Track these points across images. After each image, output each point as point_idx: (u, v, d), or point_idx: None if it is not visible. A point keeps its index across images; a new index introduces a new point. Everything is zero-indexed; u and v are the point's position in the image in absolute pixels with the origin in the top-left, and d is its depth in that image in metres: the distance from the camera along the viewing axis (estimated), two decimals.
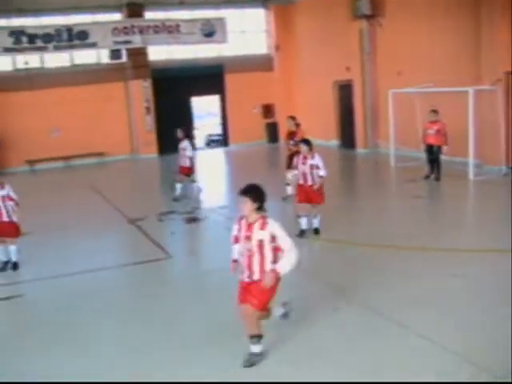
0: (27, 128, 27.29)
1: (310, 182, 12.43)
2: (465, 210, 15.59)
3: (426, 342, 7.35)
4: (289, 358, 7.24)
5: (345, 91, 27.67)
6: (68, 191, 21.08)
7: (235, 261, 7.37)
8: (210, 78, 30.46)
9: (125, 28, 27.57)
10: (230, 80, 31.21)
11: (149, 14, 28.96)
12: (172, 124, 28.94)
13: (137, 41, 27.87)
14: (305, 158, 12.47)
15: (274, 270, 6.87)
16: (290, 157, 15.82)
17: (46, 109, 27.58)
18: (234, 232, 7.28)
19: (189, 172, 17.80)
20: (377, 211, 15.26)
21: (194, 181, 18.20)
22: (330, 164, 20.19)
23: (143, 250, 12.86)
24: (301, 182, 12.60)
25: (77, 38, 26.69)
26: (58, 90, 27.56)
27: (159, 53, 29.94)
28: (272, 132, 32.17)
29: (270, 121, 32.37)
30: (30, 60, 27.43)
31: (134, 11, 28.31)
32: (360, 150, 26.29)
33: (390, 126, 21.29)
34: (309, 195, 12.45)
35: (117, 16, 28.79)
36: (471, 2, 19.49)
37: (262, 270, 6.93)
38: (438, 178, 18.22)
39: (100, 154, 28.72)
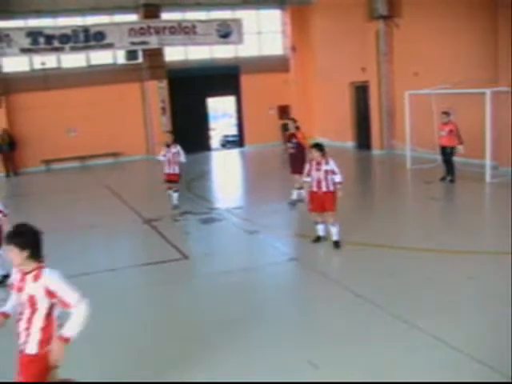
0: (43, 128, 27.43)
1: (324, 189, 11.70)
2: (482, 213, 15.48)
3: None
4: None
5: (361, 92, 27.64)
6: (83, 191, 21.18)
7: (5, 315, 5.79)
8: (225, 78, 30.55)
9: (141, 29, 27.65)
10: (246, 81, 31.22)
11: (165, 15, 29.01)
12: (188, 124, 29.29)
13: (153, 41, 27.94)
14: (318, 163, 11.74)
15: (60, 337, 5.41)
16: (293, 159, 15.96)
17: (63, 109, 27.72)
18: (13, 279, 5.69)
19: (177, 179, 16.81)
20: (393, 213, 15.19)
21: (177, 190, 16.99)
22: (346, 165, 20.27)
23: (159, 250, 12.88)
24: (314, 189, 11.82)
25: (93, 38, 26.80)
26: (75, 90, 27.67)
27: (175, 53, 29.97)
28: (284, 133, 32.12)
29: (285, 122, 32.30)
30: (47, 61, 27.57)
31: (151, 12, 28.38)
32: (376, 151, 26.22)
33: (406, 127, 21.21)
34: (324, 203, 11.76)
35: (133, 17, 28.86)
36: (489, 3, 19.39)
37: (33, 339, 5.47)
38: (452, 180, 18.13)
39: (116, 155, 28.82)
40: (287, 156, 16.52)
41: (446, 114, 18.33)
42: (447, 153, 18.21)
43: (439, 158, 19.45)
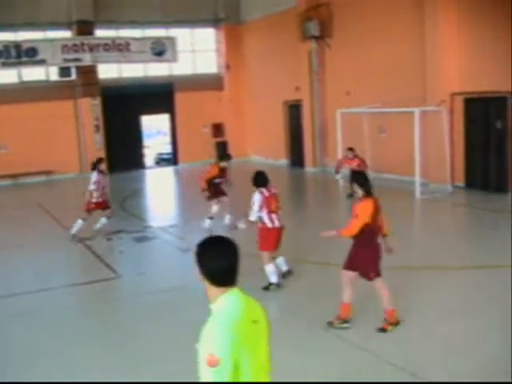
0: None
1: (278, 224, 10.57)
2: (412, 228, 15.89)
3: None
4: None
5: (294, 111, 28.01)
6: (15, 210, 20.77)
7: None
8: (160, 96, 30.48)
9: (74, 45, 27.41)
10: (180, 99, 31.23)
11: (99, 32, 28.81)
12: (122, 142, 29.15)
13: (87, 59, 27.72)
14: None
15: None
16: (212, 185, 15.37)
17: None
18: None
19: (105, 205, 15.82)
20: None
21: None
22: (280, 183, 20.44)
23: (92, 269, 12.78)
24: (270, 224, 10.50)
25: (25, 54, 26.42)
26: (6, 106, 27.13)
27: (109, 71, 29.83)
28: (222, 151, 32.23)
29: (219, 140, 32.46)
30: None
31: (84, 29, 28.14)
32: (309, 168, 26.56)
33: (338, 145, 21.56)
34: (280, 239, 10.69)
35: (67, 33, 28.55)
36: (417, 26, 19.95)
37: None
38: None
39: (48, 172, 28.38)
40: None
41: (351, 149, 18.77)
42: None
43: (371, 175, 19.78)
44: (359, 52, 23.26)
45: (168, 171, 30.90)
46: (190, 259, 12.49)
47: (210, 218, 15.22)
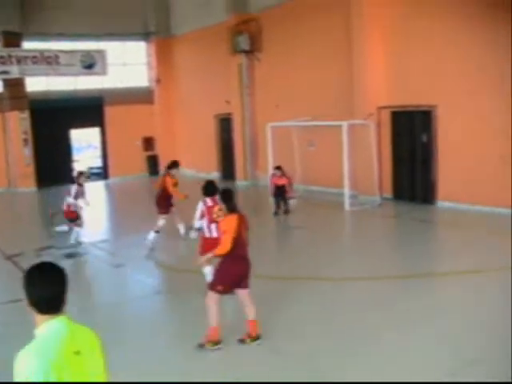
0: None
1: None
2: (341, 239, 16.16)
3: None
4: None
5: (225, 124, 28.15)
6: None
7: None
8: (90, 110, 30.22)
9: (1, 58, 26.92)
10: (111, 112, 31.03)
11: (27, 44, 28.40)
12: (51, 156, 28.73)
13: (14, 71, 27.27)
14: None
15: None
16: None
17: None
18: None
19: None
20: (261, 243, 15.39)
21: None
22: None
23: (19, 287, 12.48)
24: (207, 234, 10.77)
25: None
26: None
27: (38, 84, 29.41)
28: (152, 165, 32.18)
29: (150, 153, 32.37)
30: None
31: (12, 41, 27.65)
32: (240, 181, 26.69)
33: (269, 158, 21.74)
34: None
35: None
36: (345, 40, 20.36)
37: None
38: (287, 211, 18.54)
39: None
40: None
41: (279, 168, 18.92)
42: (282, 191, 18.56)
43: (301, 187, 20.16)
44: (288, 66, 23.59)
45: (98, 185, 30.55)
46: (121, 275, 12.49)
47: (157, 232, 15.08)
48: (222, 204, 8.58)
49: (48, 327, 3.63)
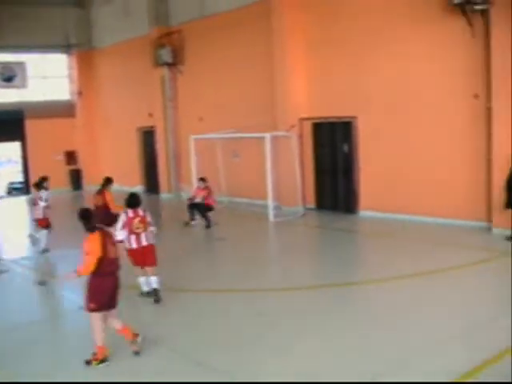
0: None
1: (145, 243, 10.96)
2: (265, 250, 16.14)
3: None
4: None
5: (148, 137, 28.00)
6: None
7: None
8: (9, 123, 29.51)
9: None
10: (32, 126, 30.47)
11: None
12: None
13: None
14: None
15: None
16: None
17: None
18: None
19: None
20: (185, 256, 15.31)
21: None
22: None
23: None
24: (127, 245, 10.91)
25: None
26: None
27: None
28: (76, 179, 31.74)
29: (73, 167, 31.93)
30: None
31: None
32: (164, 194, 26.58)
33: (193, 170, 21.69)
34: (145, 257, 11.01)
35: None
36: (268, 54, 20.55)
37: None
38: (208, 226, 18.41)
39: None
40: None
41: (203, 180, 19.02)
42: (202, 207, 18.60)
43: (225, 199, 20.25)
44: (212, 78, 23.65)
45: (20, 201, 29.89)
46: (45, 292, 12.17)
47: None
48: (82, 224, 8.32)
49: None
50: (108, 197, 15.60)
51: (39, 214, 15.95)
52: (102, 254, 8.06)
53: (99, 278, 8.14)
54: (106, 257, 8.13)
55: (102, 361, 8.25)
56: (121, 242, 10.57)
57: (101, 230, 8.32)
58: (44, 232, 16.03)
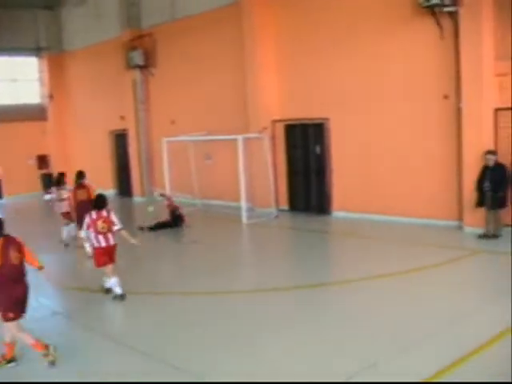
0: None
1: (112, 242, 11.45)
2: (241, 253, 16.13)
3: None
4: None
5: (120, 140, 27.87)
6: None
7: None
8: None
9: None
10: (2, 130, 29.98)
11: None
12: None
13: None
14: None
15: None
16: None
17: None
18: None
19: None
20: (163, 258, 15.41)
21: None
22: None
23: None
24: (96, 244, 11.36)
25: None
26: None
27: None
28: (48, 183, 31.43)
29: (45, 171, 31.66)
30: None
31: None
32: (137, 197, 26.48)
33: (165, 173, 21.65)
34: (111, 255, 11.49)
35: None
36: (239, 56, 20.56)
37: None
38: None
39: None
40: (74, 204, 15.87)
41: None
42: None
43: (198, 202, 20.22)
44: (184, 81, 23.61)
45: None
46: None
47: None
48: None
49: None
50: (92, 188, 15.87)
51: (64, 208, 16.92)
52: (2, 261, 8.02)
53: (3, 285, 8.08)
54: (6, 263, 8.06)
55: (10, 360, 8.37)
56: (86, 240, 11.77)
57: (6, 236, 8.27)
58: (72, 225, 16.60)
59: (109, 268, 11.45)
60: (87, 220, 11.31)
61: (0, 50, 29.54)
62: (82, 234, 13.01)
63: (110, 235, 11.32)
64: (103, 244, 11.27)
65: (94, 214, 11.30)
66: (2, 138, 30.11)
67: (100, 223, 11.20)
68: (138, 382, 7.66)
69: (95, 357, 8.67)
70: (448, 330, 8.75)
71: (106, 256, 11.36)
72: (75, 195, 15.96)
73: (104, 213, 11.35)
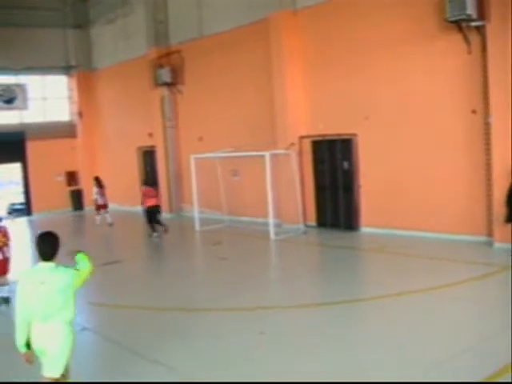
0: None
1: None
2: (269, 270, 16.09)
3: None
4: None
5: (148, 157, 28.04)
6: None
7: None
8: (10, 145, 29.33)
9: None
10: (32, 147, 30.45)
11: None
12: None
13: None
14: None
15: None
16: None
17: None
18: None
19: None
20: (187, 274, 15.43)
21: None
22: (134, 229, 20.43)
23: None
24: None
25: None
26: None
27: None
28: (77, 199, 31.77)
29: (74, 188, 31.94)
30: None
31: None
32: (165, 214, 26.56)
33: (193, 190, 21.75)
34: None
35: None
36: (266, 72, 20.65)
37: None
38: (166, 230, 20.55)
39: None
40: None
41: (148, 184, 22.09)
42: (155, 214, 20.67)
43: (226, 218, 20.22)
44: (211, 98, 23.74)
45: (21, 222, 29.80)
46: None
47: None
48: None
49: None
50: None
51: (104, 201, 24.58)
52: None
53: None
54: None
55: None
56: None
57: None
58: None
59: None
60: None
61: (31, 69, 29.92)
62: None
63: (5, 249, 13.03)
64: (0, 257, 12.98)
65: None
66: (33, 155, 30.47)
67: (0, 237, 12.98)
68: (138, 382, 7.63)
69: None
70: (477, 348, 8.64)
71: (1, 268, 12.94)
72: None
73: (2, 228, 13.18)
